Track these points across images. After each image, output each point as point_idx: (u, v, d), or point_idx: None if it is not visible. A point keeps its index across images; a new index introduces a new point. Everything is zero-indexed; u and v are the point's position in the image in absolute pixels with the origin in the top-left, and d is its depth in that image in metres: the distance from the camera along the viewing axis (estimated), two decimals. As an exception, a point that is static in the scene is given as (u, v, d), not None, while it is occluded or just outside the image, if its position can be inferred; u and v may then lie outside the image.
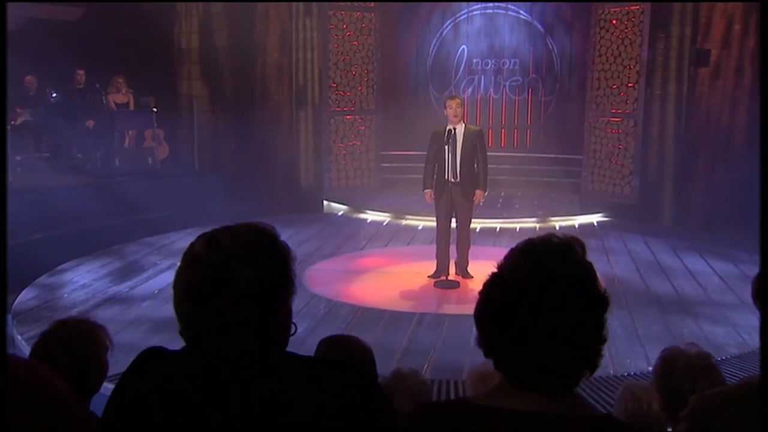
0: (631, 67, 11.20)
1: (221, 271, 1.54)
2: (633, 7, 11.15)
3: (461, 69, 13.82)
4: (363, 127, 12.45)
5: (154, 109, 12.01)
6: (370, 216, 11.48)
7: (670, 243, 9.78)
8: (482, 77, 13.78)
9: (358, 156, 12.47)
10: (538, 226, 10.77)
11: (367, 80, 12.39)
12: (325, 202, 12.07)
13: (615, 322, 7.02)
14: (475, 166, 8.01)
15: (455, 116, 7.88)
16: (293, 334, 1.69)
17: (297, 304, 6.32)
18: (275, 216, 11.30)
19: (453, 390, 5.57)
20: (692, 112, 11.12)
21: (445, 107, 8.06)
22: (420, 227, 10.77)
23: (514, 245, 1.63)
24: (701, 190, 11.10)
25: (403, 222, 11.10)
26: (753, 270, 7.98)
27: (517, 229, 10.61)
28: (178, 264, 1.61)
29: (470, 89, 13.79)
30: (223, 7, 12.35)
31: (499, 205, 11.37)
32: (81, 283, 8.29)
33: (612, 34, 11.43)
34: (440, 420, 1.57)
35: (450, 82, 13.83)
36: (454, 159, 7.89)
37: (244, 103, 12.22)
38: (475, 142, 7.96)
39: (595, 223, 11.07)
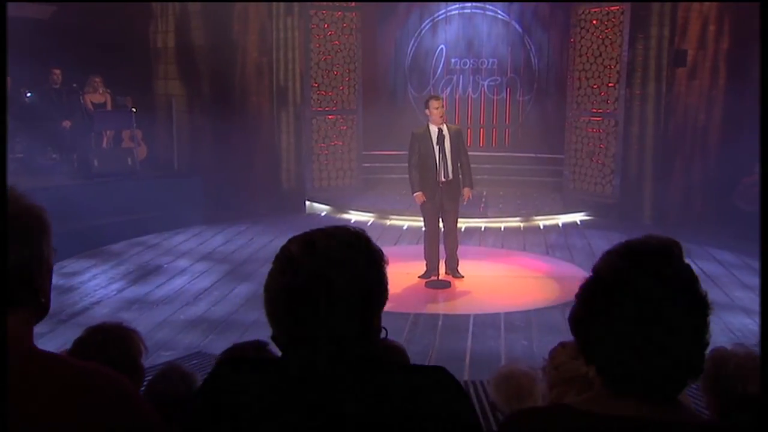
0: (612, 66, 11.33)
1: (319, 276, 1.51)
2: (613, 8, 11.28)
3: (440, 69, 13.87)
4: (345, 127, 12.42)
5: (133, 109, 11.85)
6: (354, 216, 11.45)
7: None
8: (461, 77, 13.85)
9: (340, 156, 12.43)
10: (522, 225, 10.84)
11: (349, 80, 12.36)
12: (307, 203, 12.01)
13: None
14: (459, 165, 8.03)
15: (441, 116, 7.89)
16: (386, 337, 1.68)
17: None
18: (257, 217, 11.27)
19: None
20: (670, 111, 11.29)
21: (427, 107, 7.99)
22: (405, 227, 10.78)
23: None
24: (679, 188, 11.28)
25: (388, 222, 11.09)
26: (739, 270, 8.11)
27: (502, 229, 10.67)
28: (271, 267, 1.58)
29: (449, 89, 13.84)
30: (200, 6, 12.22)
31: (482, 205, 11.41)
32: (70, 285, 8.17)
33: (592, 34, 11.54)
34: (541, 426, 1.56)
35: (428, 82, 13.87)
36: (444, 159, 7.89)
37: (223, 103, 12.11)
38: (459, 141, 8.00)
39: (579, 222, 11.17)
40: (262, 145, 12.09)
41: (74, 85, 11.80)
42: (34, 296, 1.63)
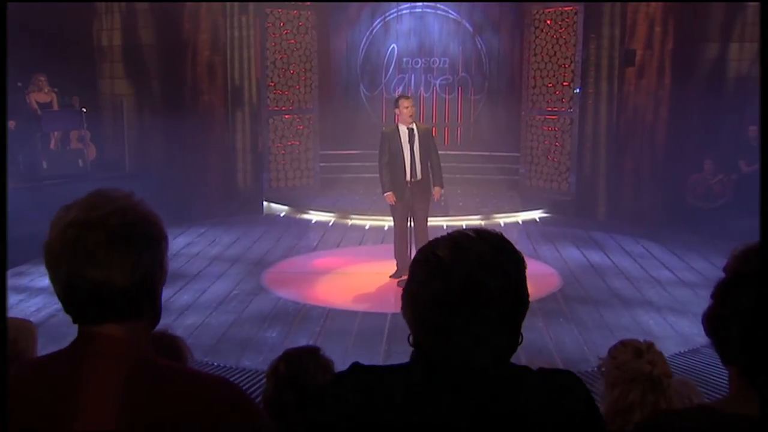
0: (566, 66, 11.55)
1: (474, 281, 1.50)
2: (566, 8, 11.50)
3: (391, 68, 13.89)
4: (302, 127, 12.32)
5: (83, 110, 11.49)
6: (314, 216, 11.37)
7: (609, 239, 10.16)
8: (412, 76, 13.91)
9: (297, 156, 12.33)
10: (483, 223, 10.95)
11: (305, 79, 12.26)
12: (264, 204, 11.86)
13: (584, 316, 7.24)
14: (428, 164, 8.06)
15: (410, 116, 7.89)
16: (521, 343, 1.67)
17: (263, 307, 6.29)
18: (214, 218, 11.10)
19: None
20: (621, 109, 11.59)
21: (397, 107, 7.98)
22: (367, 227, 10.76)
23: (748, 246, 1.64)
24: (630, 184, 11.59)
25: (350, 222, 11.05)
26: (699, 263, 8.36)
27: (464, 227, 10.73)
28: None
29: (401, 88, 13.88)
30: (148, 5, 11.95)
31: (442, 204, 11.45)
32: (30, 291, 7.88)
33: (547, 33, 11.75)
34: (684, 427, 1.57)
35: (380, 81, 13.89)
36: (413, 158, 7.90)
37: (174, 102, 11.87)
38: (428, 140, 8.01)
39: (538, 219, 11.35)
40: (216, 146, 11.90)
41: (19, 84, 11.36)
42: (153, 305, 1.60)
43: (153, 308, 1.62)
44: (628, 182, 11.56)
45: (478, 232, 1.59)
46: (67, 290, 1.53)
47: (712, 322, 1.61)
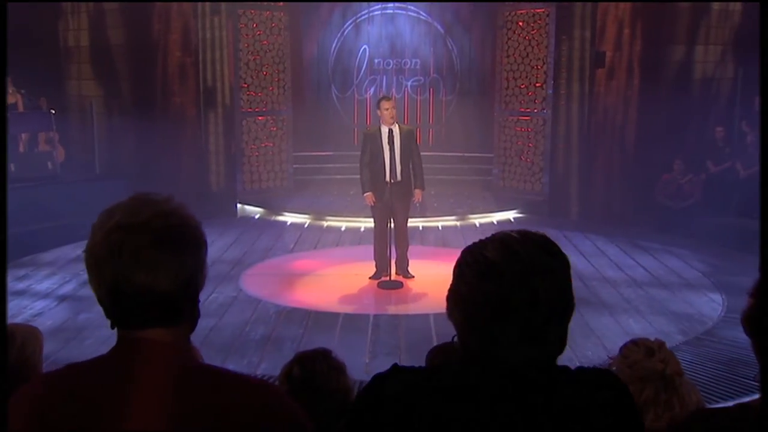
0: (539, 67, 11.66)
1: (526, 283, 1.51)
2: (538, 10, 11.62)
3: (363, 69, 13.89)
4: (275, 128, 12.25)
5: (52, 111, 11.30)
6: (289, 218, 11.31)
7: (584, 239, 10.29)
8: (384, 77, 13.92)
9: (271, 158, 12.26)
10: (458, 224, 11.01)
11: (279, 81, 12.20)
12: (238, 206, 11.77)
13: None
14: (410, 166, 8.07)
15: (391, 117, 7.91)
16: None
17: (245, 310, 6.29)
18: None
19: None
20: (592, 111, 11.74)
21: (379, 108, 8.02)
22: (343, 228, 10.75)
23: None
24: (601, 184, 11.74)
25: (325, 224, 11.02)
26: (673, 261, 8.48)
27: (440, 228, 10.81)
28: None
29: (372, 89, 13.89)
30: (117, 5, 11.78)
31: (418, 205, 11.49)
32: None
33: (519, 35, 11.84)
34: (728, 426, 1.60)
35: (352, 82, 13.88)
36: (393, 160, 7.92)
37: (145, 104, 11.73)
38: (410, 142, 8.03)
39: (512, 219, 11.44)
40: (188, 148, 11.78)
41: (-16, 85, 11.10)
42: (193, 309, 1.60)
43: (193, 313, 1.61)
44: (600, 182, 11.71)
45: (524, 234, 1.61)
46: (112, 294, 1.51)
47: (753, 322, 1.64)
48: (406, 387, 1.57)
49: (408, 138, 7.98)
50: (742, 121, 11.52)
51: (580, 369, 1.82)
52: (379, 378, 1.67)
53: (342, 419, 2.52)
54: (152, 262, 1.49)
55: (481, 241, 1.62)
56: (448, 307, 1.62)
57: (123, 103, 12.03)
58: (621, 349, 2.76)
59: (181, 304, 1.57)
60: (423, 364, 6.21)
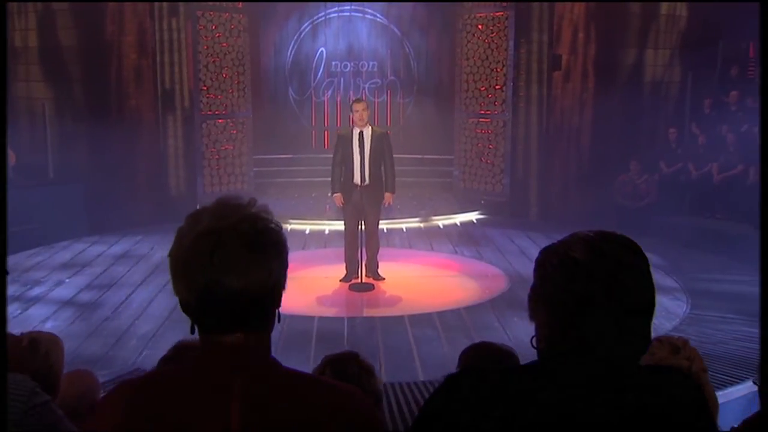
0: (498, 70, 11.80)
1: (614, 282, 1.54)
2: (498, 14, 11.77)
3: (320, 71, 13.85)
4: (235, 131, 12.12)
5: (3, 114, 10.93)
6: (252, 222, 11.18)
7: (546, 239, 10.43)
8: (341, 79, 13.90)
9: (231, 161, 12.12)
10: (422, 225, 11.07)
11: (238, 83, 12.07)
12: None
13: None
14: (382, 168, 8.09)
15: (361, 119, 7.92)
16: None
17: None
18: (146, 225, 10.79)
19: (414, 392, 5.62)
20: (549, 112, 11.95)
21: (351, 110, 8.05)
22: (307, 231, 10.70)
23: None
24: (559, 185, 11.95)
25: (289, 227, 10.93)
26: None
27: (404, 230, 10.85)
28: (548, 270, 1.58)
29: (330, 91, 13.86)
30: (68, 5, 11.49)
31: (385, 206, 11.52)
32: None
33: (478, 38, 11.98)
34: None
35: (310, 85, 13.82)
36: (362, 162, 7.94)
37: (98, 107, 11.46)
38: (382, 145, 8.04)
39: (475, 221, 11.54)
40: (145, 151, 11.56)
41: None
42: (275, 313, 1.60)
43: (274, 317, 1.61)
44: (558, 182, 11.92)
45: (603, 234, 1.64)
46: (202, 299, 1.50)
47: None
48: (485, 387, 1.58)
49: (379, 141, 7.99)
50: (692, 123, 11.88)
51: (656, 367, 1.85)
52: (453, 379, 1.68)
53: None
54: (244, 266, 1.48)
55: (560, 241, 1.64)
56: (531, 307, 1.64)
57: (76, 105, 11.74)
58: None
59: (267, 308, 1.57)
60: (405, 367, 6.26)
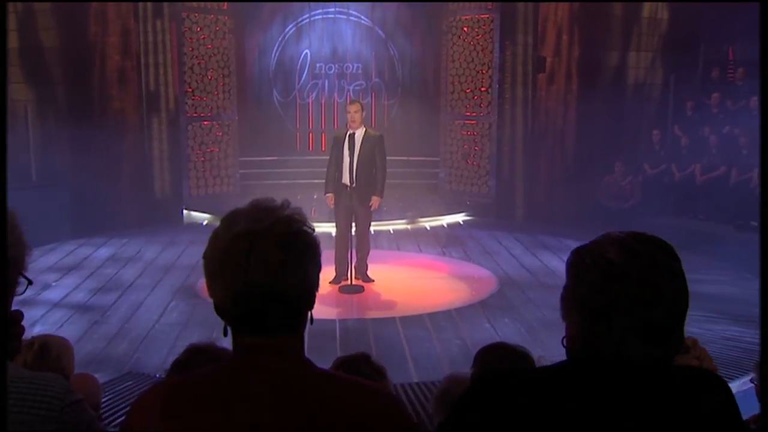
0: (484, 72, 11.85)
1: (649, 284, 1.54)
2: (483, 16, 11.82)
3: (305, 73, 13.84)
4: (220, 133, 12.07)
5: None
6: (239, 224, 11.13)
7: (533, 240, 10.50)
8: (326, 81, 13.89)
9: (217, 163, 12.08)
10: (409, 227, 11.08)
11: (224, 85, 12.03)
12: (185, 212, 11.53)
13: (527, 315, 7.44)
14: (374, 171, 8.10)
15: (353, 121, 7.92)
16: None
17: (207, 317, 6.22)
18: (132, 228, 10.71)
19: (408, 393, 5.64)
20: (534, 114, 12.02)
21: (346, 112, 8.06)
22: (294, 233, 10.65)
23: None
24: (544, 186, 12.01)
25: (276, 229, 10.90)
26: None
27: (391, 231, 10.86)
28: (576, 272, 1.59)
29: (315, 93, 13.85)
30: (50, 6, 11.37)
31: (374, 210, 11.53)
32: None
33: (464, 40, 12.02)
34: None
35: (294, 87, 13.80)
36: (351, 163, 7.94)
37: (82, 109, 11.35)
38: (374, 147, 8.04)
39: (461, 222, 11.58)
40: (129, 153, 11.47)
41: None
42: (308, 316, 1.60)
43: (307, 318, 1.61)
44: (543, 184, 11.98)
45: (635, 234, 1.64)
46: (240, 301, 1.50)
47: None
48: (518, 387, 1.59)
49: (372, 143, 7.99)
50: (675, 125, 11.99)
51: (689, 369, 1.87)
52: (484, 379, 1.68)
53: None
54: (280, 267, 1.49)
55: (593, 242, 1.64)
56: (564, 308, 1.64)
57: (58, 107, 11.61)
58: None
59: (303, 310, 1.57)
60: (398, 368, 6.26)
